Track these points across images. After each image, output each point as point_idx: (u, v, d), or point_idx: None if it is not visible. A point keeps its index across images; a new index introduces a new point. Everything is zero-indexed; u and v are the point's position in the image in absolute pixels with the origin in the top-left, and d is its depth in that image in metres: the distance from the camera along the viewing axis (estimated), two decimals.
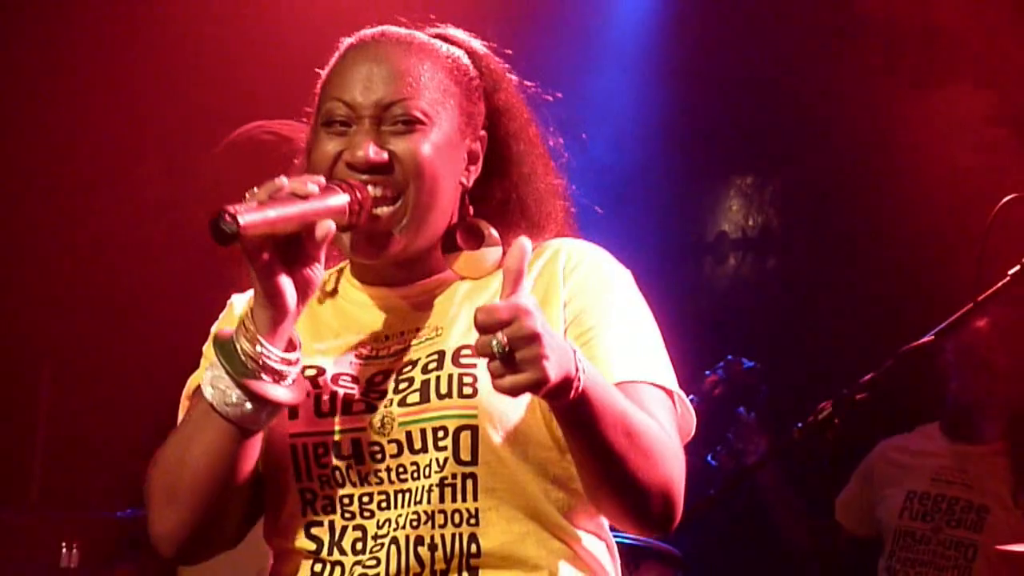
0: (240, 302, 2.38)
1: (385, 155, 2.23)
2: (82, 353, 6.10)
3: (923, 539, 5.05)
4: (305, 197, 2.12)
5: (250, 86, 5.93)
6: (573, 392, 2.01)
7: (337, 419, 2.22)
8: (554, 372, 1.95)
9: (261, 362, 2.14)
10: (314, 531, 2.22)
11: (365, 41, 2.32)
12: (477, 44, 2.40)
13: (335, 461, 2.20)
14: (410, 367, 2.22)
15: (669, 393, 2.25)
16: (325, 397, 2.23)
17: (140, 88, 6.09)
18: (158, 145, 6.08)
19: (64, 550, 5.09)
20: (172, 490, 2.23)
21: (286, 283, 2.13)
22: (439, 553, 2.16)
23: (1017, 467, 5.02)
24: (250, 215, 2.05)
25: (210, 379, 2.17)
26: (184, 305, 5.98)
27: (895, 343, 4.64)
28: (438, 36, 2.38)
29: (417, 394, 2.19)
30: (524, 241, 2.00)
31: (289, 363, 2.16)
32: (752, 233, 6.82)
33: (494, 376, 1.94)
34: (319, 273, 2.16)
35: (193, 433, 2.21)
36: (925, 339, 4.39)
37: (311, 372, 2.25)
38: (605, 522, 2.28)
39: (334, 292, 2.36)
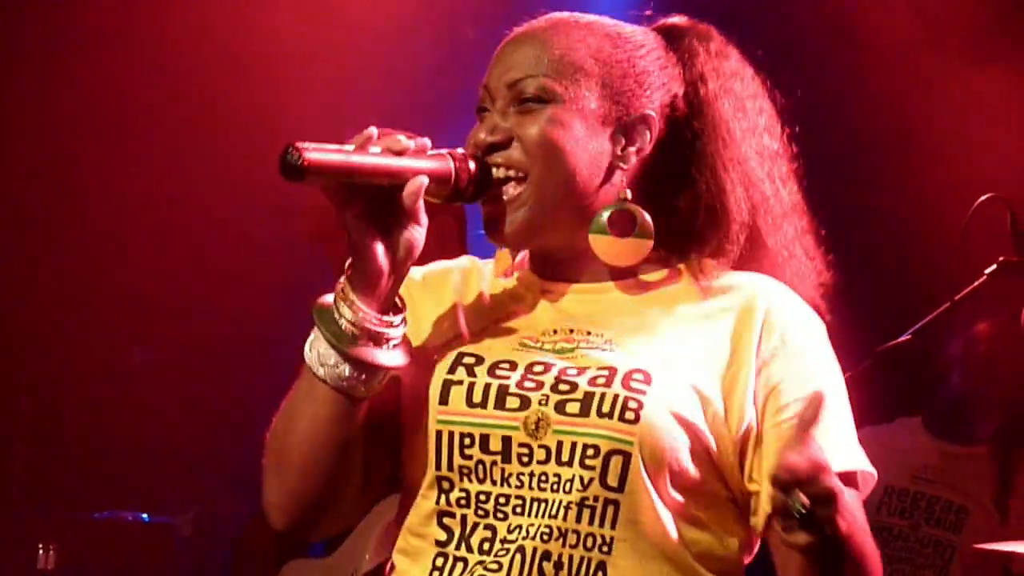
0: (415, 273, 2.30)
1: (499, 135, 2.19)
2: (61, 353, 6.08)
3: (900, 535, 5.04)
4: (398, 152, 2.09)
5: (253, 84, 5.93)
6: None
7: (489, 411, 2.15)
8: (844, 526, 1.94)
9: (359, 325, 2.10)
10: (446, 521, 2.17)
11: (516, 29, 2.29)
12: (699, 32, 2.33)
13: (480, 455, 2.15)
14: (576, 372, 2.15)
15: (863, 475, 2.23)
16: (480, 385, 2.16)
17: (135, 87, 6.06)
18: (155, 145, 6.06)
19: (41, 552, 5.07)
20: (279, 459, 2.19)
21: (379, 241, 2.10)
22: (564, 573, 2.11)
23: (1003, 472, 5.01)
24: (317, 154, 2.03)
25: (311, 343, 2.13)
26: (165, 300, 5.99)
27: (873, 342, 4.65)
28: (656, 25, 2.33)
29: (578, 405, 2.12)
30: (820, 394, 1.94)
31: (390, 325, 2.12)
32: None
33: (786, 532, 1.91)
34: (417, 235, 2.11)
35: (298, 400, 2.16)
36: (902, 338, 4.40)
37: (470, 360, 2.19)
38: (739, 568, 2.22)
39: (512, 286, 2.30)
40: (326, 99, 5.95)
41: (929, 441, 5.11)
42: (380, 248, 2.10)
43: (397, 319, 2.14)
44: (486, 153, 2.20)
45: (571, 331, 2.22)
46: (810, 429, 1.92)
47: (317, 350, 2.13)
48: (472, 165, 2.17)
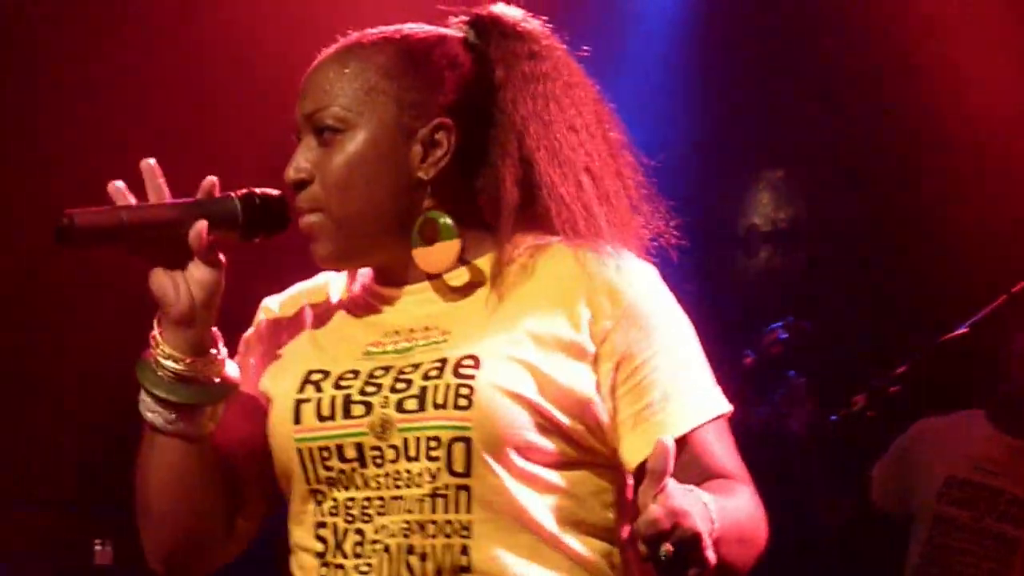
0: (272, 304, 2.39)
1: (302, 174, 2.24)
2: (114, 349, 6.10)
3: (963, 527, 5.01)
4: (172, 202, 2.16)
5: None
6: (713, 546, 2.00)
7: (339, 422, 2.19)
8: (713, 555, 1.97)
9: (173, 371, 2.18)
10: (321, 532, 2.21)
11: (313, 65, 2.31)
12: (498, 22, 2.33)
13: (340, 464, 2.19)
14: (412, 369, 2.19)
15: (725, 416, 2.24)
16: (326, 400, 2.21)
17: (128, 86, 6.09)
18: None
19: (97, 547, 5.11)
20: (141, 511, 2.26)
21: (178, 287, 2.17)
22: (429, 563, 2.14)
23: None
24: (87, 217, 2.11)
25: (141, 396, 2.21)
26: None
27: (930, 335, 4.64)
28: (465, 18, 2.34)
29: (415, 400, 2.16)
30: (667, 441, 1.96)
31: (204, 364, 2.19)
32: (783, 226, 6.80)
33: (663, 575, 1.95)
34: (212, 276, 2.17)
35: (144, 452, 2.24)
36: (959, 331, 4.38)
37: (317, 376, 2.23)
38: (625, 526, 2.24)
39: (358, 296, 2.34)
40: None
41: (994, 434, 5.05)
42: (180, 293, 2.17)
43: (213, 356, 2.20)
44: (296, 190, 2.24)
45: (411, 330, 2.25)
46: (660, 477, 1.95)
47: (144, 402, 2.20)
48: (258, 202, 2.20)
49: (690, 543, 1.94)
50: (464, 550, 2.14)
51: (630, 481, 2.24)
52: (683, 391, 2.19)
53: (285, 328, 2.34)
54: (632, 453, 2.18)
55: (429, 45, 2.28)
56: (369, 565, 2.16)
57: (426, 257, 2.25)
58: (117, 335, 6.05)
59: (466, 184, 2.28)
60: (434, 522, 2.14)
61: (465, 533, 2.14)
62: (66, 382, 6.07)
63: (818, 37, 6.35)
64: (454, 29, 2.33)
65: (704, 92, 6.43)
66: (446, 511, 2.14)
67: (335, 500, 2.19)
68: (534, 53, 2.31)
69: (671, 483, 1.96)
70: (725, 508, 2.06)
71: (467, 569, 2.14)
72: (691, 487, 2.02)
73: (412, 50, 2.27)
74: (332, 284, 2.37)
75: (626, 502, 2.24)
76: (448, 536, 2.14)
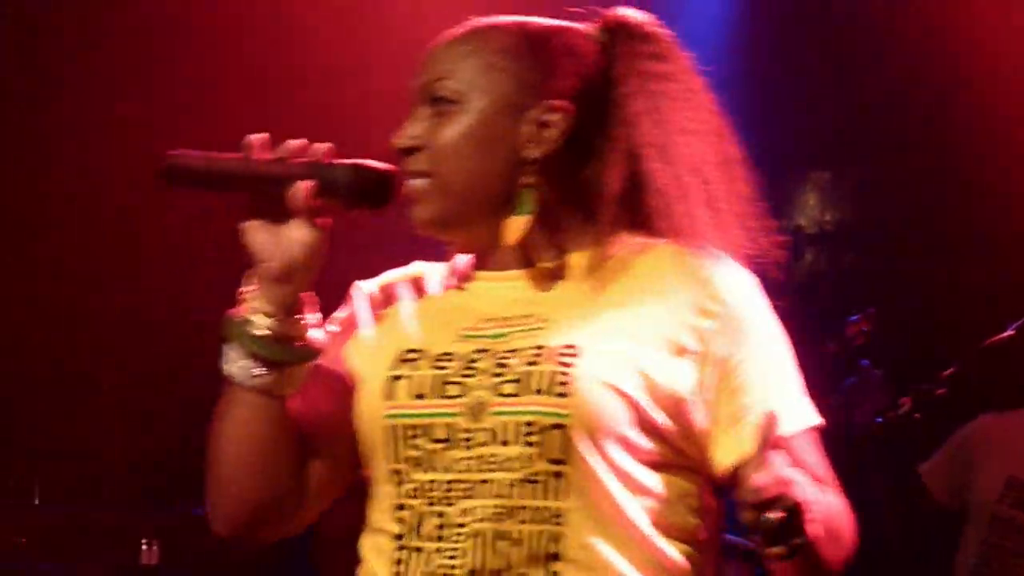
0: (365, 287, 2.41)
1: (412, 141, 2.27)
2: (163, 348, 6.13)
3: (1021, 529, 4.97)
4: (283, 158, 2.19)
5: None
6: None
7: (432, 401, 2.21)
8: (817, 527, 2.03)
9: (264, 327, 2.20)
10: (400, 514, 2.21)
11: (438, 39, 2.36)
12: (622, 22, 2.36)
13: (427, 444, 2.19)
14: (511, 354, 2.20)
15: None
16: (422, 378, 2.22)
17: (169, 88, 6.11)
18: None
19: (144, 547, 5.12)
20: (212, 466, 2.27)
21: (275, 245, 2.20)
22: (520, 549, 2.14)
23: None
24: (184, 159, 2.18)
25: (224, 355, 2.23)
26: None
27: (977, 338, 4.62)
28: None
29: (514, 385, 2.17)
30: (773, 415, 2.03)
31: (295, 325, 2.21)
32: (829, 228, 6.78)
33: (768, 546, 2.00)
34: (310, 237, 2.20)
35: (223, 407, 2.25)
36: (1006, 334, 4.36)
37: (412, 355, 2.25)
38: (704, 530, 2.25)
39: (457, 285, 2.36)
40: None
41: None
42: (276, 251, 2.19)
43: (304, 318, 2.22)
44: (403, 157, 2.28)
45: (507, 318, 2.26)
46: (767, 449, 2.00)
47: (230, 357, 2.22)
48: (366, 173, 2.23)
49: (795, 511, 1.97)
50: (556, 537, 2.14)
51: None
52: (780, 397, 2.21)
53: (378, 311, 2.36)
54: (725, 454, 2.20)
55: (551, 32, 2.32)
56: (456, 549, 2.16)
57: (517, 227, 2.27)
58: (173, 337, 6.09)
59: (573, 172, 2.30)
60: (525, 507, 2.14)
61: (557, 520, 2.14)
62: (117, 381, 6.10)
63: (865, 37, 6.33)
64: (584, 27, 2.36)
65: (748, 93, 6.41)
66: (539, 497, 2.14)
67: (416, 482, 2.20)
68: (656, 54, 2.34)
69: (777, 457, 2.00)
70: (819, 501, 2.08)
71: (557, 557, 2.14)
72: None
73: (534, 34, 2.31)
74: (427, 273, 2.40)
75: (707, 507, 2.26)
76: (540, 522, 2.14)
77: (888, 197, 6.43)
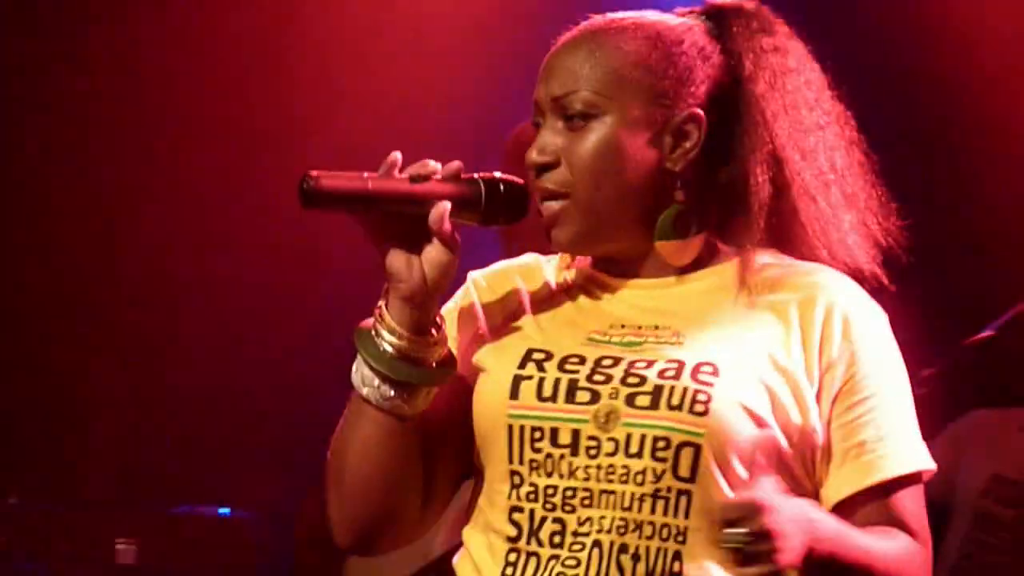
0: (480, 278, 2.38)
1: (548, 156, 2.23)
2: (140, 348, 6.11)
3: (1006, 525, 4.97)
4: (424, 177, 2.16)
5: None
6: (808, 560, 2.04)
7: (559, 405, 2.19)
8: (788, 557, 2.00)
9: (397, 347, 2.17)
10: (515, 516, 2.20)
11: (559, 40, 2.31)
12: (742, 11, 2.34)
13: (549, 448, 2.18)
14: (644, 365, 2.18)
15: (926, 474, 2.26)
16: (549, 380, 2.20)
17: (208, 76, 6.09)
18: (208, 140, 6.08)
19: (119, 547, 5.10)
20: (336, 480, 2.25)
21: (412, 266, 2.16)
22: (641, 565, 2.13)
23: None
24: (331, 181, 2.12)
25: (356, 366, 2.20)
26: (246, 299, 6.01)
27: (957, 338, 4.62)
28: (702, 8, 2.34)
29: (648, 398, 2.15)
30: (769, 433, 2.07)
31: (428, 345, 2.18)
32: None
33: (737, 564, 1.99)
34: (447, 258, 2.17)
35: (349, 422, 2.23)
36: (985, 333, 4.36)
37: (539, 355, 2.22)
38: None
39: (577, 282, 2.33)
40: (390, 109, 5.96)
41: None
42: (413, 272, 2.16)
43: (436, 338, 2.20)
44: (537, 173, 2.24)
45: (639, 327, 2.24)
46: (762, 470, 2.02)
47: (360, 372, 2.20)
48: (503, 189, 2.22)
49: (763, 537, 1.97)
50: (677, 555, 2.13)
51: None
52: (897, 437, 2.21)
53: (495, 304, 2.34)
54: (835, 489, 2.20)
55: (680, 35, 2.27)
56: (576, 559, 2.15)
57: (674, 251, 2.24)
58: (151, 337, 6.07)
59: (712, 179, 2.28)
60: (652, 523, 2.14)
61: (680, 539, 2.14)
62: (92, 381, 6.07)
63: (852, 28, 6.33)
64: (692, 18, 2.33)
65: None
66: (665, 514, 2.14)
67: (534, 485, 2.18)
68: (779, 47, 2.31)
69: (769, 482, 2.01)
70: (853, 539, 2.09)
71: (678, 575, 2.13)
72: (802, 500, 2.07)
73: (664, 39, 2.26)
74: (544, 266, 2.37)
75: None
76: (664, 539, 2.13)
77: (899, 187, 6.41)
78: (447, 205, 2.15)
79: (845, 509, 2.19)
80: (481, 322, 2.31)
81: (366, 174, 2.15)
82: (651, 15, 2.31)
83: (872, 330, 2.25)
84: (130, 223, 6.04)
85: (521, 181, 2.24)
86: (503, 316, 2.32)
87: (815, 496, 2.21)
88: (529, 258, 2.40)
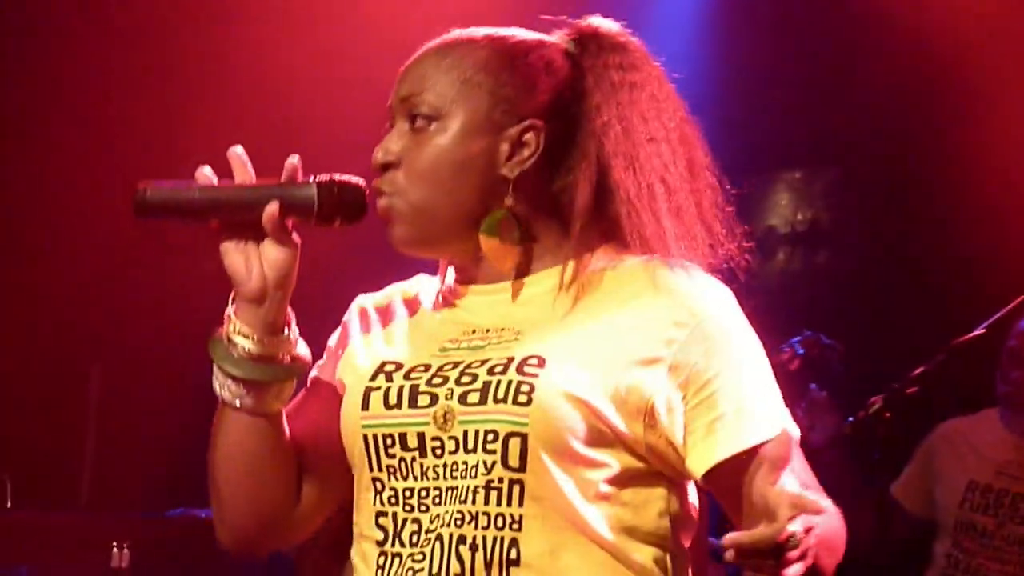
0: (366, 301, 2.43)
1: (390, 156, 2.28)
2: (131, 353, 6.12)
3: (986, 532, 4.98)
4: (252, 181, 2.22)
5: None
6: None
7: (404, 411, 2.24)
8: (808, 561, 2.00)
9: (246, 349, 2.23)
10: (381, 521, 2.25)
11: (417, 53, 2.36)
12: (596, 33, 2.37)
13: (401, 453, 2.23)
14: (479, 364, 2.22)
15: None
16: (395, 389, 2.25)
17: (185, 85, 6.11)
18: (207, 143, 6.09)
19: (115, 550, 5.11)
20: (212, 483, 2.31)
21: (252, 267, 2.22)
22: (479, 554, 2.17)
23: None
24: (159, 193, 2.20)
25: (213, 373, 2.26)
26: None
27: (947, 337, 4.62)
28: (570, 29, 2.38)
29: (477, 394, 2.20)
30: (791, 431, 2.06)
31: (277, 344, 2.24)
32: (801, 228, 6.79)
33: (763, 571, 1.99)
34: (285, 256, 2.22)
35: (216, 426, 2.29)
36: (976, 332, 4.37)
37: (390, 367, 2.28)
38: (676, 534, 2.27)
39: (445, 296, 2.38)
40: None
41: (1007, 436, 5.03)
42: (252, 273, 2.22)
43: (286, 336, 2.25)
44: (381, 172, 2.29)
45: (487, 330, 2.29)
46: (781, 468, 2.01)
47: (216, 378, 2.26)
48: (336, 190, 2.24)
49: (807, 534, 1.97)
50: (514, 543, 2.17)
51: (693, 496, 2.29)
52: (757, 406, 2.22)
53: (371, 324, 2.39)
54: (699, 461, 2.21)
55: (528, 47, 2.32)
56: (422, 554, 2.19)
57: (498, 253, 2.29)
58: (146, 341, 6.07)
59: (546, 186, 2.32)
60: (486, 514, 2.17)
61: (516, 527, 2.17)
62: (89, 386, 6.08)
63: (838, 35, 6.34)
64: (558, 39, 2.37)
65: (721, 92, 6.42)
66: (498, 503, 2.17)
67: (394, 489, 2.23)
68: (625, 65, 2.35)
69: (790, 479, 2.01)
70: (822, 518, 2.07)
71: (516, 563, 2.17)
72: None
73: (511, 49, 2.31)
74: (424, 285, 2.42)
75: (683, 512, 2.28)
76: (499, 528, 2.17)
77: (862, 196, 6.44)
78: (275, 205, 2.20)
79: (716, 478, 2.21)
80: (352, 343, 2.37)
81: (196, 184, 2.21)
82: (510, 30, 2.37)
83: (715, 308, 2.26)
84: (125, 226, 6.05)
85: (361, 181, 2.27)
86: (373, 336, 2.39)
87: (672, 468, 2.23)
88: (416, 280, 2.45)
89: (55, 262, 6.09)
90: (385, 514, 2.24)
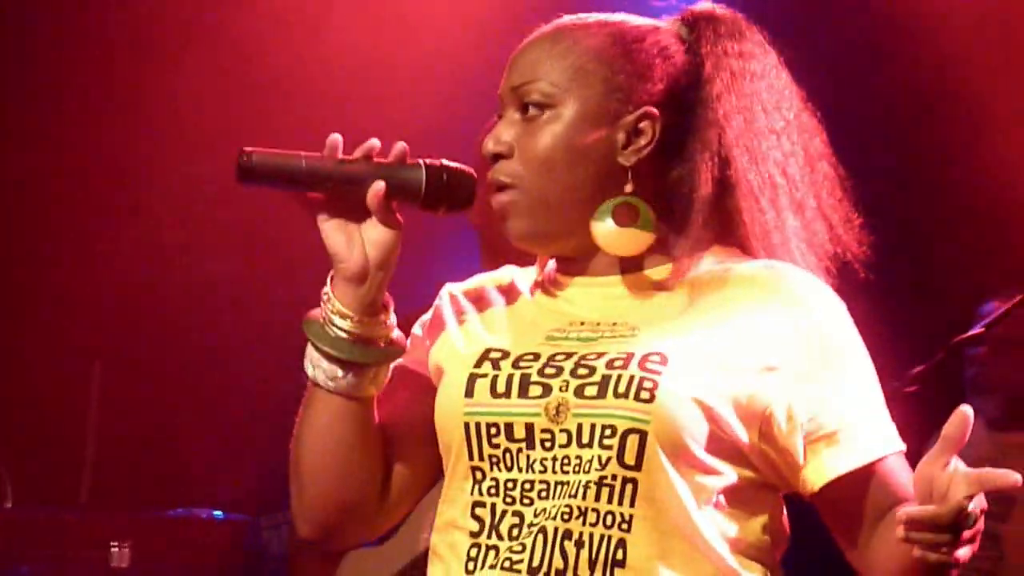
0: (454, 290, 2.41)
1: (502, 146, 2.26)
2: (132, 351, 6.12)
3: (999, 540, 4.98)
4: (362, 158, 2.19)
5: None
6: None
7: (513, 400, 2.20)
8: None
9: (345, 329, 2.20)
10: (478, 511, 2.21)
11: (528, 39, 2.34)
12: (712, 17, 2.36)
13: (506, 443, 2.19)
14: (596, 357, 2.19)
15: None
16: (503, 377, 2.22)
17: (191, 84, 6.10)
18: (210, 138, 6.09)
19: (115, 549, 5.10)
20: (296, 470, 2.28)
21: (353, 246, 2.18)
22: (584, 552, 2.14)
23: None
24: (264, 157, 2.14)
25: (307, 355, 2.23)
26: (240, 300, 6.01)
27: (944, 336, 4.63)
28: (682, 17, 2.37)
29: (596, 387, 2.16)
30: (966, 411, 2.06)
31: (376, 325, 2.22)
32: None
33: (936, 549, 2.01)
34: (388, 237, 2.20)
35: (306, 410, 2.26)
36: (974, 331, 4.38)
37: (496, 355, 2.25)
38: (775, 550, 2.26)
39: (543, 287, 2.36)
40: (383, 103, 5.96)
41: (982, 432, 5.03)
42: (354, 252, 2.19)
43: (384, 318, 2.23)
44: (493, 162, 2.27)
45: (597, 323, 2.26)
46: (956, 448, 2.03)
47: (311, 358, 2.23)
48: (445, 175, 2.23)
49: (977, 517, 2.02)
50: (621, 543, 2.14)
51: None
52: (871, 420, 2.22)
53: (465, 311, 2.36)
54: (816, 474, 2.20)
55: (642, 33, 2.30)
56: (522, 546, 2.16)
57: (616, 239, 2.25)
58: (145, 336, 6.07)
59: (665, 176, 2.29)
60: (596, 510, 2.14)
61: (625, 527, 2.14)
62: (90, 384, 6.07)
63: (816, 38, 6.34)
64: (669, 24, 2.35)
65: None
66: (609, 501, 2.14)
67: (495, 480, 2.20)
68: (744, 53, 2.33)
69: (960, 463, 2.03)
70: None
71: (621, 564, 2.14)
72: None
73: (625, 36, 2.29)
74: (517, 276, 2.39)
75: (781, 527, 2.26)
76: (608, 526, 2.14)
77: (854, 199, 6.42)
78: (382, 184, 2.17)
79: (832, 492, 2.20)
80: (448, 329, 2.33)
81: (303, 153, 2.18)
82: (621, 16, 2.34)
83: (831, 317, 2.25)
84: (107, 226, 6.06)
85: (471, 170, 2.26)
86: (470, 323, 2.34)
87: (781, 481, 2.22)
88: (504, 270, 2.42)
89: (55, 259, 6.08)
90: (484, 504, 2.20)
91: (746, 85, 2.31)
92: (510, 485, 2.18)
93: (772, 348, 2.19)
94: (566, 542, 2.13)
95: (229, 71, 6.11)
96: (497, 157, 2.26)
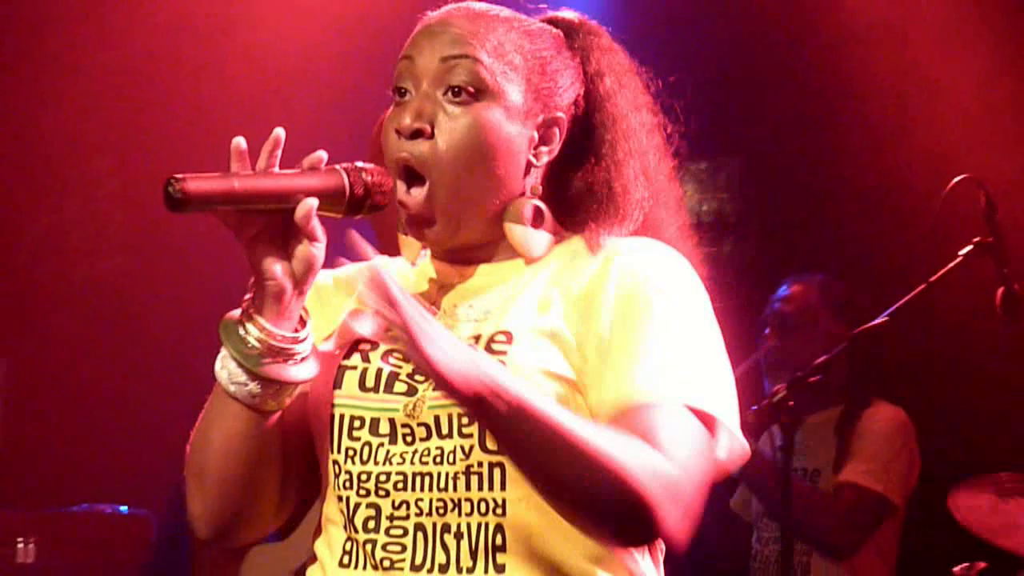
0: (326, 277, 2.36)
1: (423, 123, 2.20)
2: (37, 347, 6.08)
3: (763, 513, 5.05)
4: (290, 173, 2.12)
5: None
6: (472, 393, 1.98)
7: (378, 395, 2.19)
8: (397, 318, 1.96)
9: (265, 343, 2.13)
10: (340, 506, 2.21)
11: (439, 12, 2.30)
12: (591, 29, 2.39)
13: (366, 437, 2.18)
14: None
15: (707, 419, 2.17)
16: (371, 371, 2.21)
17: (94, 82, 6.07)
18: (113, 138, 6.06)
19: (20, 545, 5.07)
20: (198, 474, 2.23)
21: (278, 261, 2.12)
22: (464, 542, 2.13)
23: (839, 434, 4.97)
24: (197, 183, 2.04)
25: (220, 360, 2.17)
26: (140, 298, 5.99)
27: (849, 323, 4.67)
28: (547, 19, 2.38)
29: None
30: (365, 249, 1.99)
31: (295, 341, 2.15)
32: (706, 219, 6.82)
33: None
34: (315, 251, 2.13)
35: (212, 416, 2.20)
36: (878, 320, 4.41)
37: (365, 346, 2.23)
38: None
39: (418, 276, 2.35)
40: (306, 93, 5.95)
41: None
42: (279, 267, 2.12)
43: (302, 334, 2.17)
44: (407, 137, 2.20)
45: (455, 307, 2.26)
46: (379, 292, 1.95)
47: (227, 368, 2.16)
48: (368, 178, 2.17)
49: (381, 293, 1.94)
50: (499, 528, 2.13)
51: None
52: (656, 373, 2.14)
53: (337, 301, 2.33)
54: (597, 398, 2.14)
55: (549, 39, 2.32)
56: (401, 545, 2.15)
57: (530, 240, 2.26)
58: (55, 332, 6.02)
59: (563, 176, 2.32)
60: (469, 500, 2.13)
61: (499, 511, 2.13)
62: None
63: (740, 23, 6.38)
64: (547, 27, 2.36)
65: None
66: (480, 488, 2.13)
67: (349, 473, 2.18)
68: (614, 62, 2.37)
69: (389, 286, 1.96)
70: (532, 393, 2.02)
71: (502, 548, 2.13)
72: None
73: (538, 39, 2.30)
74: (391, 265, 2.36)
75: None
76: (483, 514, 2.13)
77: (765, 187, 6.48)
78: (314, 202, 2.12)
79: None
80: (319, 317, 2.28)
81: (233, 174, 2.10)
82: (524, 17, 2.33)
83: (662, 269, 2.23)
84: (7, 225, 6.04)
85: (382, 169, 2.20)
86: (341, 310, 2.32)
87: None
88: (377, 261, 2.38)
89: None
90: (341, 498, 2.20)
91: (623, 86, 2.36)
92: (364, 478, 2.17)
93: (605, 311, 2.17)
94: (446, 535, 2.13)
95: (134, 71, 6.09)
96: (417, 133, 2.21)
